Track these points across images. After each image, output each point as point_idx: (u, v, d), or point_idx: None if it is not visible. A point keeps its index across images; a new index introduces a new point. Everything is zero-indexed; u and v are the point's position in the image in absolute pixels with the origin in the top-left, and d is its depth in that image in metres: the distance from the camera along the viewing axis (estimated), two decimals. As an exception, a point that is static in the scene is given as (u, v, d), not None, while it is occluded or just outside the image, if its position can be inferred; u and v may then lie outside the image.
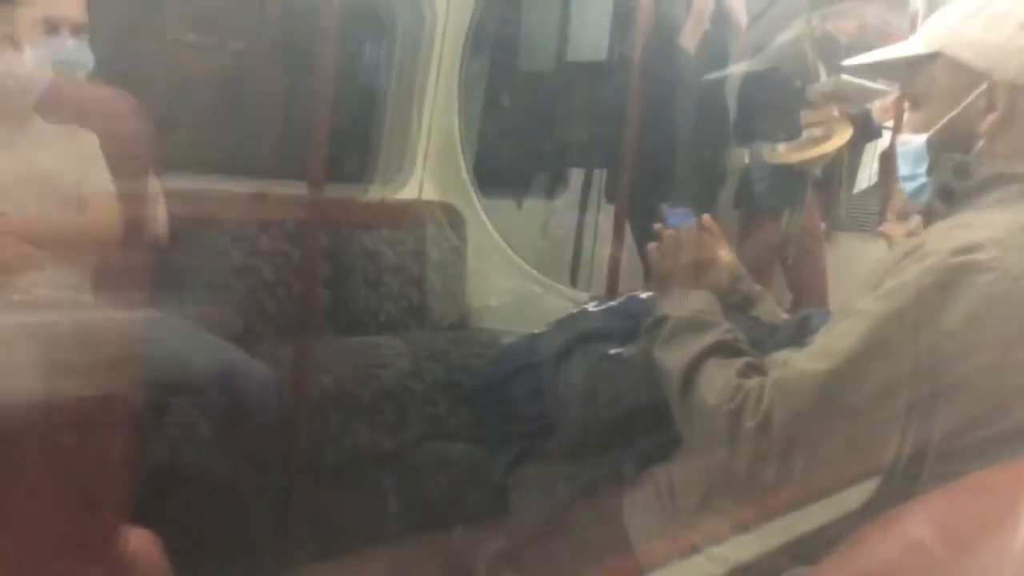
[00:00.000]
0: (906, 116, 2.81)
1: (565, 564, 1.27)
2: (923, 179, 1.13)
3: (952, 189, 1.08)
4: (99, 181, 1.76)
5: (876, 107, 3.16)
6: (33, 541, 1.13)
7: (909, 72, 1.13)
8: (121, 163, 1.77)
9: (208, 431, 1.89)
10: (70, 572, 1.14)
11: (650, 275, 1.38)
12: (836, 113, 2.97)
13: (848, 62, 1.26)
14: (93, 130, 1.76)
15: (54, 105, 1.72)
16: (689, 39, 2.94)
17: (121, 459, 1.30)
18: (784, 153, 3.00)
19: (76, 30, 1.77)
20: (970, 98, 1.06)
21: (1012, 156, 1.05)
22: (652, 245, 1.35)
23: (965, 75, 1.06)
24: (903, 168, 1.16)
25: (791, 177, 3.02)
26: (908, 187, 1.16)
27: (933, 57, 1.09)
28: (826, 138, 2.96)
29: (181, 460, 1.84)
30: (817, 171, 3.05)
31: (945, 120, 1.09)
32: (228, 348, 2.05)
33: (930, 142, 1.11)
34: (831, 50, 3.00)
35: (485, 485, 1.43)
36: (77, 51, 1.77)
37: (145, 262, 1.88)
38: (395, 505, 2.05)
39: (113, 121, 1.75)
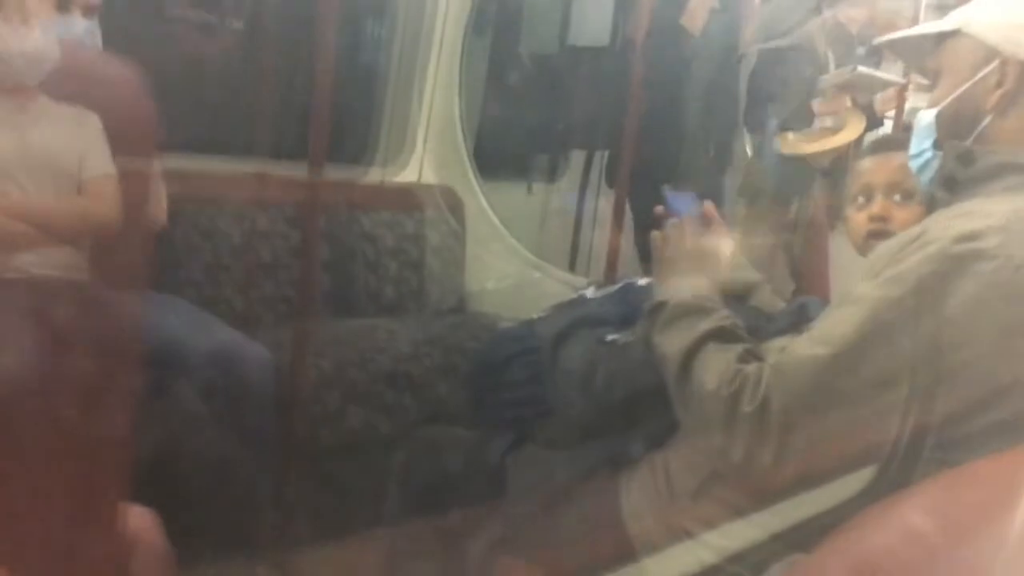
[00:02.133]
0: (908, 105, 2.79)
1: (562, 548, 1.28)
2: (929, 154, 1.14)
3: (955, 177, 1.08)
4: (100, 163, 1.75)
5: (878, 97, 3.15)
6: (33, 519, 1.13)
7: (930, 50, 1.16)
8: (124, 143, 1.77)
9: (206, 412, 1.89)
10: (71, 550, 1.15)
11: (643, 260, 1.38)
12: (849, 104, 2.95)
13: (881, 38, 1.28)
14: (97, 109, 1.75)
15: (59, 83, 1.71)
16: (693, 19, 2.91)
17: (120, 439, 1.30)
18: (796, 143, 2.98)
19: (88, 10, 1.76)
20: (981, 73, 1.08)
21: (1016, 140, 1.07)
22: (655, 233, 1.34)
23: (980, 51, 1.09)
24: (913, 145, 1.17)
25: (799, 166, 3.01)
26: (915, 164, 1.17)
27: (955, 34, 1.12)
28: (838, 129, 2.93)
29: (179, 441, 1.84)
30: (824, 161, 3.04)
31: (955, 94, 1.11)
32: (226, 329, 2.05)
33: (939, 116, 1.14)
34: (841, 39, 2.99)
35: (483, 469, 1.44)
36: (87, 31, 1.75)
37: (144, 243, 1.88)
38: (393, 488, 2.05)
39: (117, 100, 1.74)
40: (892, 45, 1.29)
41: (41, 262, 1.69)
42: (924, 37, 1.18)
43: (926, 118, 1.15)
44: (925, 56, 1.18)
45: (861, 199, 1.42)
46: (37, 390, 1.30)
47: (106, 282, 1.74)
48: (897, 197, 1.38)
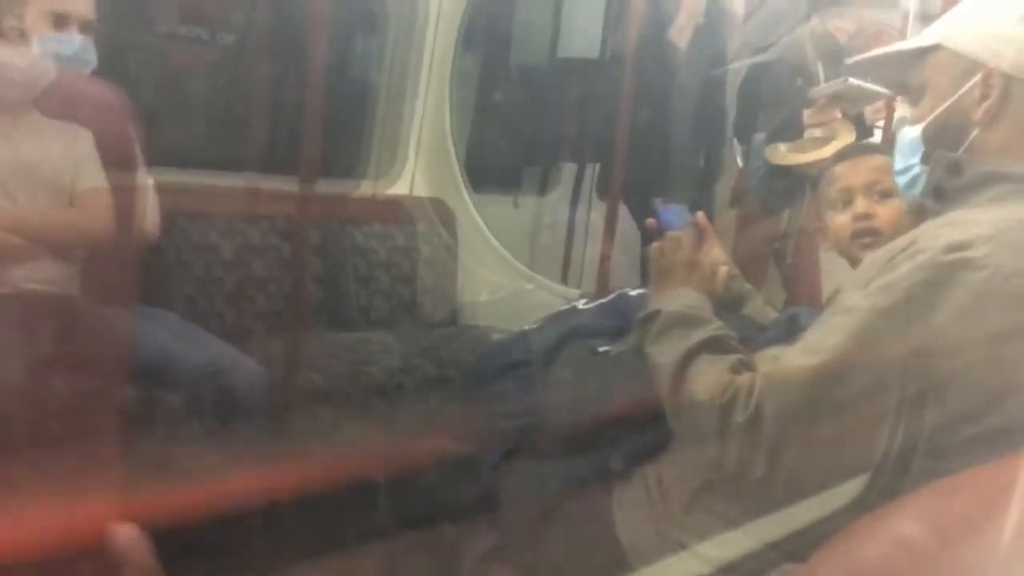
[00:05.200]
0: (897, 116, 2.80)
1: (554, 559, 1.27)
2: (916, 170, 1.14)
3: (944, 188, 1.09)
4: (92, 178, 1.75)
5: (868, 108, 3.16)
6: (19, 535, 1.12)
7: (912, 65, 1.15)
8: (114, 159, 1.77)
9: (197, 426, 1.88)
10: (58, 568, 1.14)
11: (645, 270, 1.38)
12: (838, 115, 2.97)
13: (858, 57, 1.28)
14: (88, 125, 1.75)
15: (51, 99, 1.71)
16: (679, 34, 2.93)
17: (109, 454, 1.29)
18: (786, 154, 2.98)
19: (84, 27, 1.76)
20: (966, 87, 1.07)
21: (1004, 150, 1.07)
22: (653, 245, 1.35)
23: (963, 65, 1.08)
24: (898, 162, 1.17)
25: (790, 177, 3.01)
26: (902, 179, 1.17)
27: (935, 49, 1.11)
28: (828, 140, 2.94)
29: (170, 455, 1.83)
30: (814, 171, 3.04)
31: (941, 109, 1.10)
32: (218, 343, 2.04)
33: (926, 131, 1.13)
34: (830, 50, 3.00)
35: (475, 480, 1.43)
36: (82, 48, 1.75)
37: (135, 257, 1.87)
38: (386, 500, 2.04)
39: (108, 117, 1.74)
40: (869, 64, 1.28)
41: (32, 276, 1.69)
42: (902, 54, 1.17)
43: (910, 134, 1.15)
44: (905, 73, 1.17)
45: (841, 203, 1.44)
46: (26, 405, 1.29)
47: (97, 296, 1.74)
48: (876, 196, 1.42)
